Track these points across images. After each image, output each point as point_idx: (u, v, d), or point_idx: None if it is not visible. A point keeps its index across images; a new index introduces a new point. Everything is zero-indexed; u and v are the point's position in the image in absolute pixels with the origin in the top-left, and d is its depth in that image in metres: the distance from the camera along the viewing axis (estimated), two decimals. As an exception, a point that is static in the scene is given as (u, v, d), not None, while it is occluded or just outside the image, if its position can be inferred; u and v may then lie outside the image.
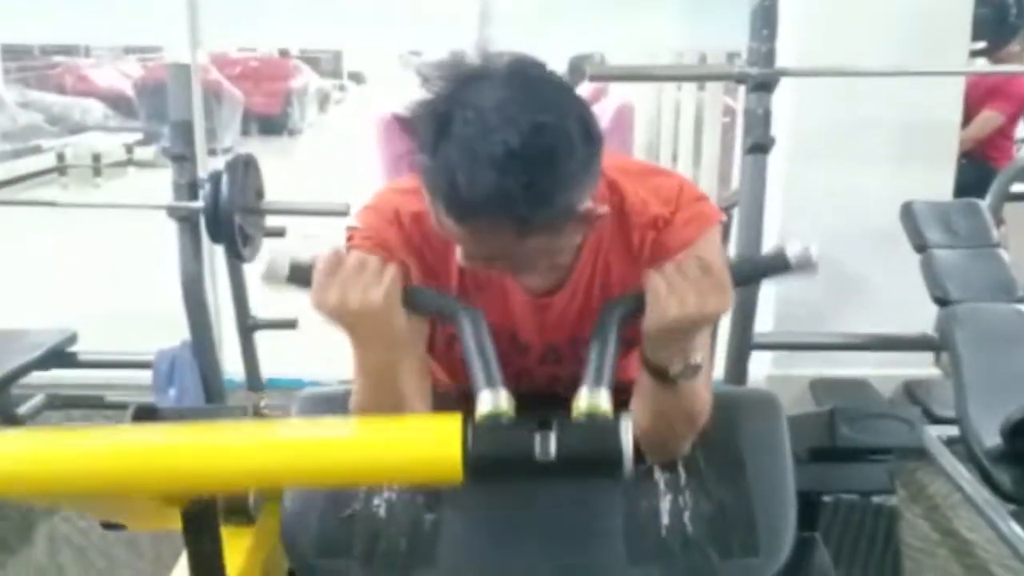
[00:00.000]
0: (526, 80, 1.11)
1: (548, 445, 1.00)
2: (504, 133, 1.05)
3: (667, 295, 1.11)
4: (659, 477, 1.39)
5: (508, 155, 1.05)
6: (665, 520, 1.36)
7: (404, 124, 1.13)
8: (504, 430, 1.05)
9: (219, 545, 1.16)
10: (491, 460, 0.99)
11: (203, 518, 1.14)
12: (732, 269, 1.15)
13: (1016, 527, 2.47)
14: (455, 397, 1.43)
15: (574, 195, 1.12)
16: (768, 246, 2.76)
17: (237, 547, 1.43)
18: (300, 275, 1.18)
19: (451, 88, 1.10)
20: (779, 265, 1.15)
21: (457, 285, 1.33)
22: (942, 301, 2.68)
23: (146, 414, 1.57)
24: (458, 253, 1.21)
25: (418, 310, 1.22)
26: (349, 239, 1.33)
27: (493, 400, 1.06)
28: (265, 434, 1.04)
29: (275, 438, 1.02)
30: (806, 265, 1.13)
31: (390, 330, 1.17)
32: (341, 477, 1.06)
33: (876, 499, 2.44)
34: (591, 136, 1.12)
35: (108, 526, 1.42)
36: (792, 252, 1.13)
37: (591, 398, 1.06)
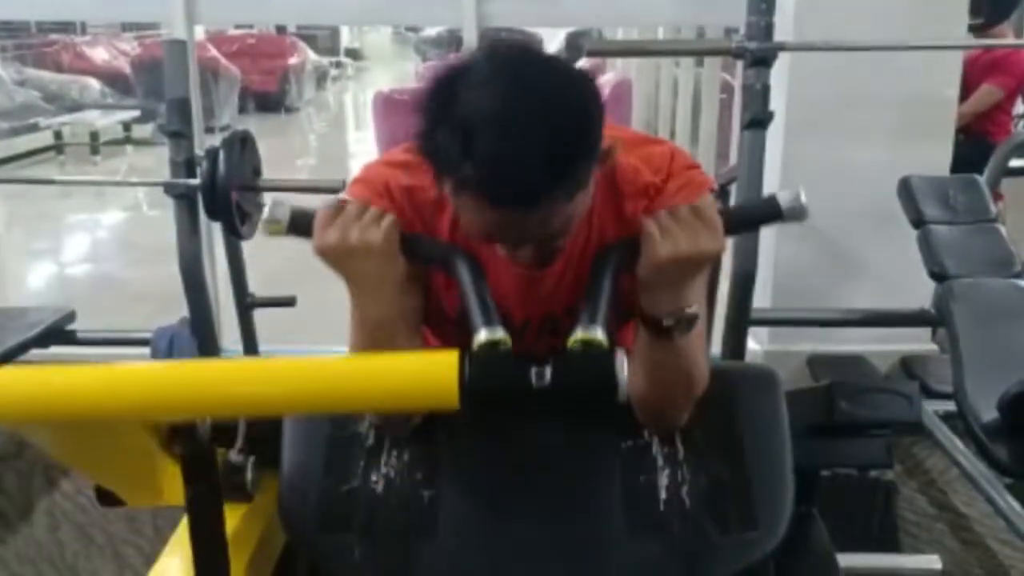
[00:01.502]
0: (512, 57, 1.13)
1: (544, 373, 1.08)
2: (531, 114, 1.06)
3: (661, 237, 1.14)
4: (657, 452, 1.39)
5: (548, 135, 1.06)
6: (663, 495, 1.36)
7: (419, 155, 1.13)
8: (501, 359, 1.10)
9: (218, 496, 1.18)
10: (488, 387, 1.02)
11: (200, 457, 1.17)
12: (724, 216, 1.17)
13: (1013, 501, 2.49)
14: None
15: (599, 138, 1.15)
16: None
17: (235, 523, 1.44)
18: (301, 223, 1.21)
19: (451, 99, 1.09)
20: (770, 212, 1.19)
21: None
22: (939, 276, 2.68)
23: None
24: (468, 225, 1.21)
25: (416, 256, 1.25)
26: None
27: (490, 333, 1.11)
28: (264, 363, 1.09)
29: (273, 366, 1.03)
30: (797, 212, 1.16)
31: (390, 273, 1.20)
32: (339, 403, 1.06)
33: (873, 473, 2.46)
34: (589, 77, 1.15)
35: (107, 502, 1.42)
36: (783, 199, 1.17)
37: (586, 331, 1.11)
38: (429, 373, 0.96)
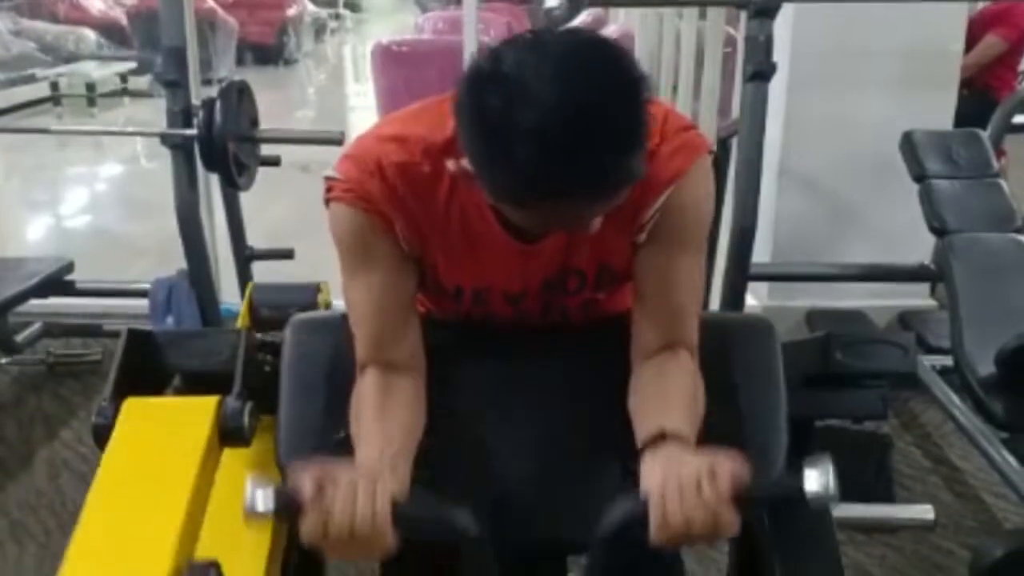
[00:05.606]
0: (550, 40, 1.06)
1: None
2: (575, 95, 1.01)
3: (661, 521, 1.09)
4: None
5: (590, 116, 1.01)
6: (658, 444, 1.36)
7: (457, 142, 1.10)
8: None
9: None
10: None
11: None
12: (740, 491, 1.09)
13: (1008, 455, 2.50)
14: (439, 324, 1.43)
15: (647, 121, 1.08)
16: (767, 174, 2.74)
17: (231, 469, 1.45)
18: (289, 506, 1.08)
19: (510, 118, 1.01)
20: (792, 495, 1.09)
21: (442, 239, 1.30)
22: (940, 231, 2.68)
23: (140, 339, 1.57)
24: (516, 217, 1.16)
25: (412, 528, 1.15)
26: (329, 190, 1.28)
27: None
28: None
29: None
30: (824, 500, 1.07)
31: (380, 547, 1.13)
32: None
33: (869, 426, 2.47)
34: (635, 60, 1.09)
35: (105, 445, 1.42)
36: (810, 484, 1.07)
37: None
38: None
